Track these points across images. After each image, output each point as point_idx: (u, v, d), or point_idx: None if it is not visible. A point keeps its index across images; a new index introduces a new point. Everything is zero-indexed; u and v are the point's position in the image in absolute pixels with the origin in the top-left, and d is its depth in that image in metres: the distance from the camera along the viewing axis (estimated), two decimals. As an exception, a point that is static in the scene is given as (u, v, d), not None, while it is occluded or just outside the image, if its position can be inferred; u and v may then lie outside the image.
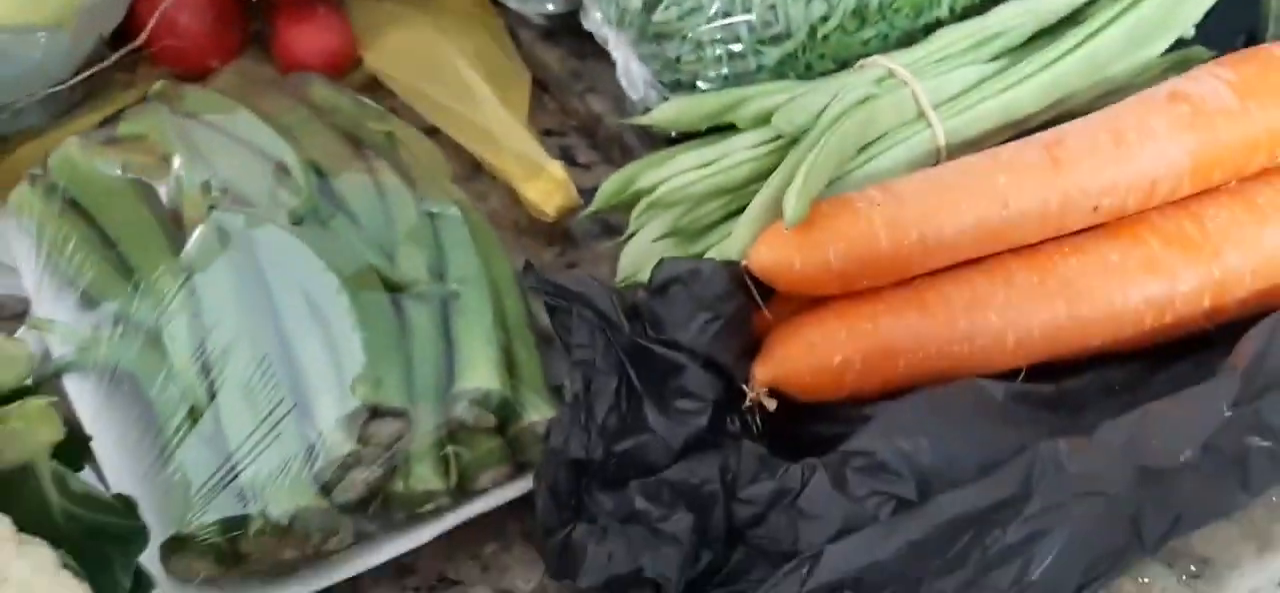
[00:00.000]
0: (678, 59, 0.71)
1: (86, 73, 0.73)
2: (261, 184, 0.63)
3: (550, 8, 0.83)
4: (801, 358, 0.58)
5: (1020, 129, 0.66)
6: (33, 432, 0.46)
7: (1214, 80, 0.62)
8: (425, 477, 0.56)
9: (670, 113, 0.69)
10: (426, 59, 0.80)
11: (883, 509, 0.53)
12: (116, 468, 0.57)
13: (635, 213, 0.66)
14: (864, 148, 0.64)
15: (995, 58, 0.68)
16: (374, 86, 0.81)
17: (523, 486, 0.59)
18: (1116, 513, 0.53)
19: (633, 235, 0.67)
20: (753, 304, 0.58)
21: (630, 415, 0.56)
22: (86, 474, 0.51)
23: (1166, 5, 0.69)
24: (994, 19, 0.69)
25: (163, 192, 0.64)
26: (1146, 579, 0.57)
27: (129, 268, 0.62)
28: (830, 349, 0.57)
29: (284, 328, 0.57)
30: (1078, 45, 0.68)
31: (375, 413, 0.55)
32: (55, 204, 0.65)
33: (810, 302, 0.59)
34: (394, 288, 0.59)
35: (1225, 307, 0.60)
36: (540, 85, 0.84)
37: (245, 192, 0.63)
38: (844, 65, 0.71)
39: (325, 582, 0.56)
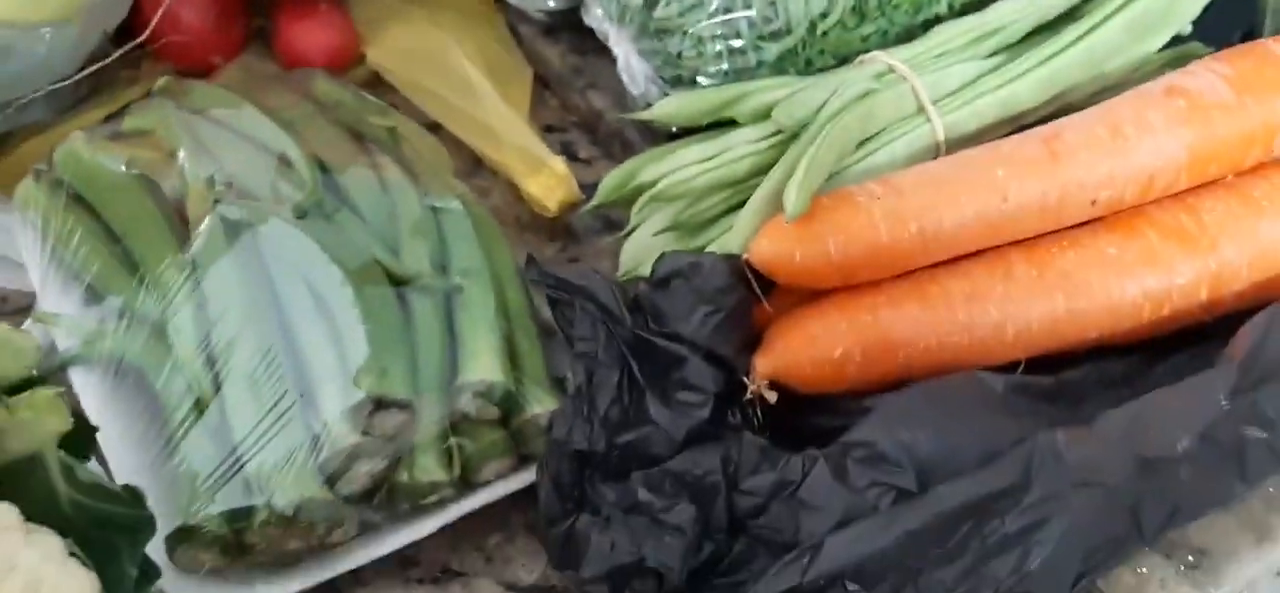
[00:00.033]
0: (678, 55, 0.71)
1: (91, 68, 0.73)
2: (266, 178, 0.63)
3: (551, 4, 0.83)
4: (802, 350, 0.58)
5: (1019, 124, 0.67)
6: (41, 422, 0.46)
7: (1211, 75, 0.62)
8: (429, 468, 0.56)
9: (671, 108, 0.70)
10: (428, 55, 0.81)
11: (883, 500, 0.53)
12: (122, 460, 0.57)
13: (636, 207, 0.67)
14: (864, 142, 0.65)
15: (994, 53, 0.69)
16: (376, 83, 0.82)
17: (526, 477, 0.59)
18: (1115, 503, 0.53)
19: (634, 230, 0.67)
20: (753, 297, 0.59)
21: (632, 407, 0.57)
22: (92, 466, 0.52)
23: (1164, 1, 0.69)
24: (992, 15, 0.69)
25: (167, 186, 0.65)
26: (1145, 570, 0.57)
27: (134, 262, 0.62)
28: (831, 341, 0.58)
29: (289, 320, 0.58)
30: (1076, 41, 0.68)
31: (379, 405, 0.55)
32: (60, 199, 0.65)
33: (811, 295, 0.60)
34: (398, 281, 0.60)
35: (1222, 299, 0.61)
36: (541, 81, 0.84)
37: (250, 186, 0.63)
38: (844, 61, 0.71)
39: (329, 573, 0.56)
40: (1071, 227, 0.61)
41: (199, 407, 0.57)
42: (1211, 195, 0.62)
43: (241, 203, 0.61)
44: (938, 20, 0.72)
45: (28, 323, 0.63)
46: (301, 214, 0.61)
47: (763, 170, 0.63)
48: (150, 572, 0.48)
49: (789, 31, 0.70)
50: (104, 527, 0.47)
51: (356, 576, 0.58)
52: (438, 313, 0.59)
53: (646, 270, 0.59)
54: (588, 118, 0.81)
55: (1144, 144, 0.60)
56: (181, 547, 0.54)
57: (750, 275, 0.58)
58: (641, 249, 0.66)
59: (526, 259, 0.62)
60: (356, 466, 0.55)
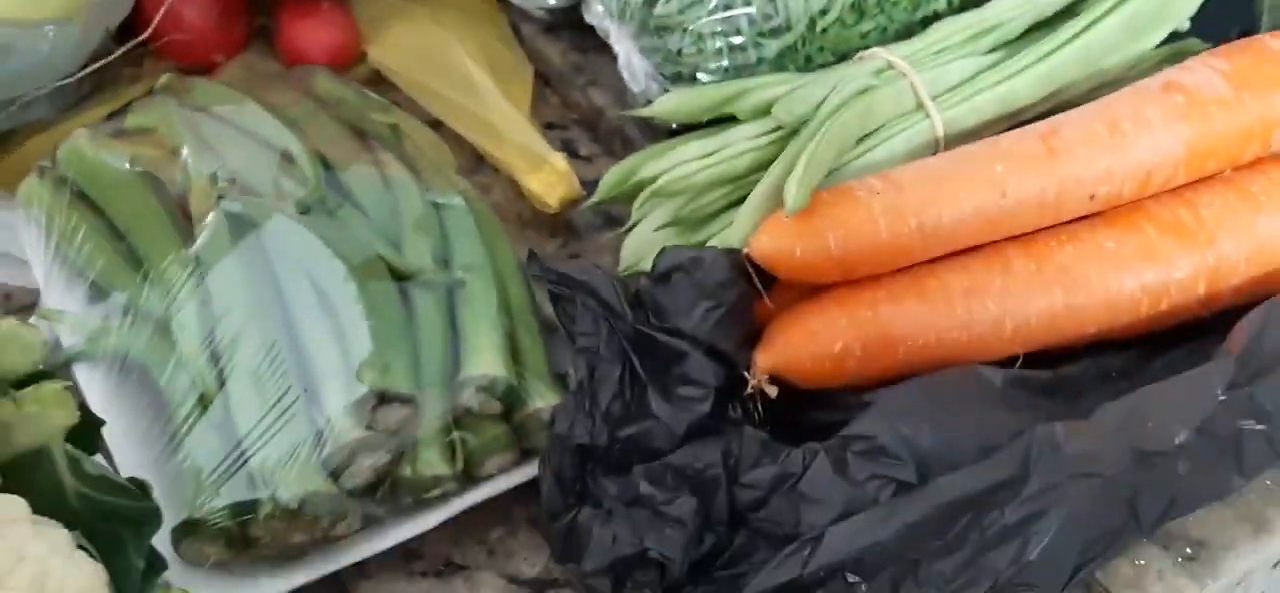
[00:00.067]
0: (679, 52, 0.72)
1: (93, 67, 0.74)
2: (269, 175, 0.64)
3: (552, 2, 0.83)
4: (802, 345, 0.58)
5: (1017, 120, 0.67)
6: (47, 415, 0.47)
7: (1208, 71, 0.63)
8: (432, 462, 0.56)
9: (671, 105, 0.70)
10: (430, 53, 0.81)
11: (883, 492, 0.53)
12: (126, 456, 0.58)
13: (637, 204, 0.67)
14: (863, 138, 0.65)
15: (992, 50, 0.69)
16: (377, 81, 0.82)
17: (528, 471, 0.59)
18: (1113, 494, 0.53)
19: (635, 226, 0.68)
20: (754, 292, 0.59)
21: (634, 402, 0.57)
22: (97, 460, 0.52)
23: (1161, -2, 0.70)
24: (991, 12, 0.70)
25: (170, 184, 0.65)
26: (1143, 562, 0.58)
27: (138, 259, 0.62)
28: (831, 336, 0.58)
29: (292, 316, 0.58)
30: (1074, 37, 0.68)
31: (383, 399, 0.56)
32: (64, 196, 0.65)
33: (811, 290, 0.60)
34: (400, 277, 0.60)
35: (1220, 294, 0.61)
36: (542, 79, 0.85)
37: (253, 182, 0.63)
38: (843, 58, 0.71)
39: (333, 566, 0.57)
40: (1070, 222, 0.61)
41: (203, 402, 0.57)
42: (1209, 191, 0.62)
43: (245, 199, 0.62)
44: (936, 17, 0.72)
45: (32, 320, 0.63)
46: (305, 210, 0.62)
47: (763, 166, 0.64)
48: (157, 564, 0.48)
49: (789, 28, 0.71)
50: (110, 519, 0.48)
51: (360, 569, 0.58)
52: (440, 308, 0.60)
53: (647, 266, 0.60)
54: (588, 115, 0.82)
55: (1142, 140, 0.61)
56: (187, 540, 0.55)
57: (751, 271, 0.58)
58: (642, 245, 0.67)
59: (528, 255, 0.62)
60: (360, 459, 0.55)
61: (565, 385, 0.59)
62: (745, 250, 0.58)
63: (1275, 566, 0.61)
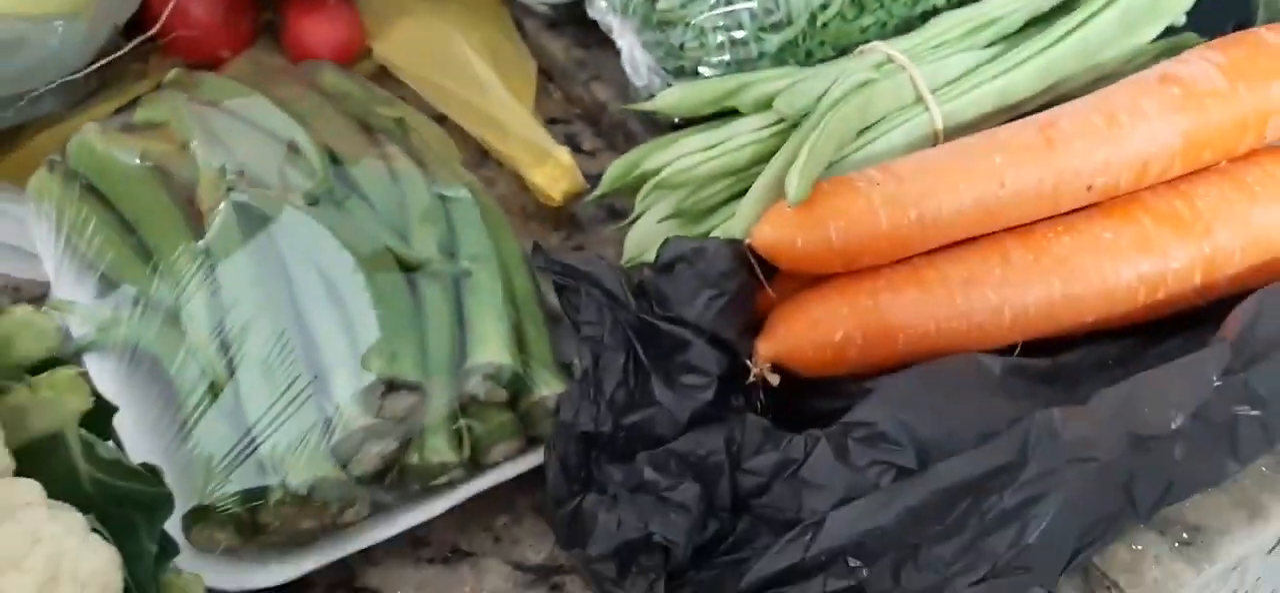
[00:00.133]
0: (681, 46, 0.73)
1: (102, 62, 0.74)
2: (277, 167, 0.64)
3: (555, -3, 0.84)
4: (804, 334, 0.59)
5: (1015, 113, 0.68)
6: (62, 401, 0.47)
7: (1204, 63, 0.63)
8: (439, 449, 0.57)
9: (674, 98, 0.71)
10: (434, 48, 0.82)
11: (883, 478, 0.54)
12: (137, 445, 0.58)
13: (640, 195, 0.68)
14: (863, 131, 0.66)
15: (991, 44, 0.70)
16: (382, 76, 0.83)
17: (533, 459, 0.60)
18: (1110, 479, 0.54)
19: (638, 218, 0.68)
20: (756, 282, 0.60)
21: (638, 390, 0.58)
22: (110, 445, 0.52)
23: (1157, -8, 0.70)
24: (989, 6, 0.70)
25: (180, 177, 0.65)
26: (1140, 547, 0.58)
27: (147, 251, 0.63)
28: (832, 325, 0.59)
29: (301, 306, 0.59)
30: (1071, 32, 0.69)
31: (391, 387, 0.56)
32: (74, 189, 0.66)
33: (812, 279, 0.61)
34: (408, 267, 0.61)
35: (1216, 283, 0.62)
36: (545, 74, 0.86)
37: (261, 175, 0.64)
38: (843, 52, 0.72)
39: (342, 552, 0.57)
40: (1068, 212, 0.62)
41: (213, 391, 0.58)
42: (1205, 181, 0.63)
43: (254, 191, 0.62)
44: (935, 12, 0.73)
45: (42, 312, 0.64)
46: (313, 202, 0.62)
47: (764, 158, 0.65)
48: (169, 548, 0.49)
49: (790, 23, 0.71)
50: (123, 504, 0.48)
51: (368, 555, 0.59)
52: (447, 298, 0.61)
53: (650, 257, 0.60)
54: (591, 110, 0.83)
55: (1139, 131, 0.61)
56: (197, 526, 0.55)
57: (753, 260, 0.59)
58: (645, 237, 0.68)
59: (533, 246, 0.63)
60: (368, 447, 0.56)
61: (570, 374, 0.60)
62: (747, 241, 0.59)
63: (1270, 551, 0.62)
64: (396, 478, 0.58)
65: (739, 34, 0.71)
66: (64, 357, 0.51)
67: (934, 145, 0.66)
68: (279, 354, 0.57)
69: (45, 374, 0.48)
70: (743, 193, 0.64)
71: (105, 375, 0.61)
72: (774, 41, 0.72)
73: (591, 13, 0.79)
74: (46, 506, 0.45)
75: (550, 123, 0.81)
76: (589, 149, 0.81)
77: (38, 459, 0.47)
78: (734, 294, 0.59)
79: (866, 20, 0.73)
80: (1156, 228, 0.61)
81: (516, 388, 0.60)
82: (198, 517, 0.55)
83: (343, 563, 0.58)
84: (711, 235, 0.64)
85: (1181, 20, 0.71)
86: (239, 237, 0.61)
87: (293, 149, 0.66)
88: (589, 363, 0.58)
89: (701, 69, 0.73)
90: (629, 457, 0.57)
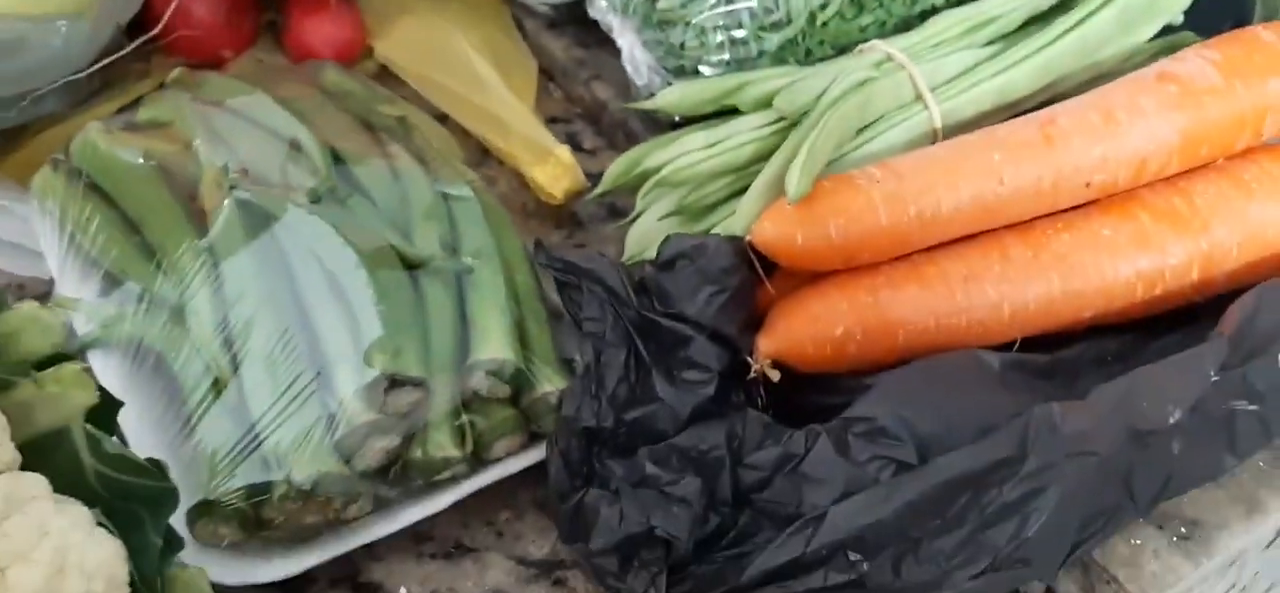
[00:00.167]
0: (681, 45, 0.73)
1: (104, 61, 0.75)
2: (280, 165, 0.65)
3: (556, -3, 0.85)
4: (804, 330, 0.59)
5: (1014, 111, 0.68)
6: (68, 396, 0.47)
7: (1201, 61, 0.64)
8: (442, 444, 0.57)
9: (674, 97, 0.71)
10: (436, 48, 0.82)
11: (884, 472, 0.54)
12: (141, 441, 0.58)
13: (642, 193, 0.68)
14: (863, 129, 0.66)
15: (989, 43, 0.70)
16: (384, 75, 0.83)
17: (535, 455, 0.61)
18: (1109, 473, 0.54)
19: (639, 215, 0.69)
20: (756, 278, 0.60)
21: (639, 386, 0.58)
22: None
23: (1154, -9, 0.71)
24: (988, 4, 0.71)
25: (183, 175, 0.66)
26: (1139, 541, 0.59)
27: (151, 248, 0.63)
28: (832, 321, 0.59)
29: (304, 302, 0.59)
30: (1069, 30, 0.69)
31: (394, 383, 0.57)
32: (78, 187, 0.66)
33: (812, 276, 0.61)
34: (410, 264, 0.61)
35: (1213, 279, 0.62)
36: (546, 74, 0.86)
37: (264, 173, 0.64)
38: (843, 50, 0.73)
39: (345, 547, 0.58)
40: (1066, 209, 0.62)
41: (217, 387, 0.58)
42: (1202, 178, 0.63)
43: (257, 189, 0.63)
44: (934, 11, 0.73)
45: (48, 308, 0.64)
46: (316, 199, 0.63)
47: (765, 156, 0.65)
48: (174, 542, 0.49)
49: (789, 22, 0.72)
50: (128, 499, 0.48)
51: (371, 551, 0.59)
52: (449, 295, 0.61)
53: (651, 254, 0.61)
54: (592, 109, 0.83)
55: (1136, 128, 0.62)
56: (202, 521, 0.56)
57: (753, 257, 0.60)
58: (646, 234, 0.68)
59: (535, 244, 0.63)
60: (371, 442, 0.56)
61: (572, 371, 0.61)
62: (748, 237, 0.60)
63: (1268, 546, 0.63)
64: (399, 473, 0.58)
65: (739, 33, 0.72)
66: (69, 352, 0.51)
67: (933, 143, 0.66)
68: (282, 350, 0.57)
69: (51, 370, 0.48)
70: (743, 190, 0.65)
71: (109, 372, 0.61)
72: (774, 40, 0.72)
73: (592, 12, 0.79)
74: (53, 500, 0.45)
75: (551, 122, 0.81)
76: (590, 148, 0.82)
77: (43, 454, 0.47)
78: (735, 291, 0.59)
79: (866, 19, 0.73)
80: (1154, 224, 0.62)
81: (519, 384, 0.60)
82: (202, 512, 0.56)
83: (346, 558, 0.58)
84: (712, 232, 0.64)
85: (1179, 19, 0.72)
86: (242, 234, 0.61)
87: (295, 147, 0.66)
88: (591, 359, 0.58)
89: (702, 68, 0.73)
90: (630, 452, 0.57)
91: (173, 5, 0.77)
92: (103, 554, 0.45)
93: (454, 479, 0.59)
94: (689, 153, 0.66)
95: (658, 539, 0.55)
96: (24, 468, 0.46)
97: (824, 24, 0.72)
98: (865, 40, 0.71)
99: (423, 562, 0.60)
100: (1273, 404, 0.57)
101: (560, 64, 0.85)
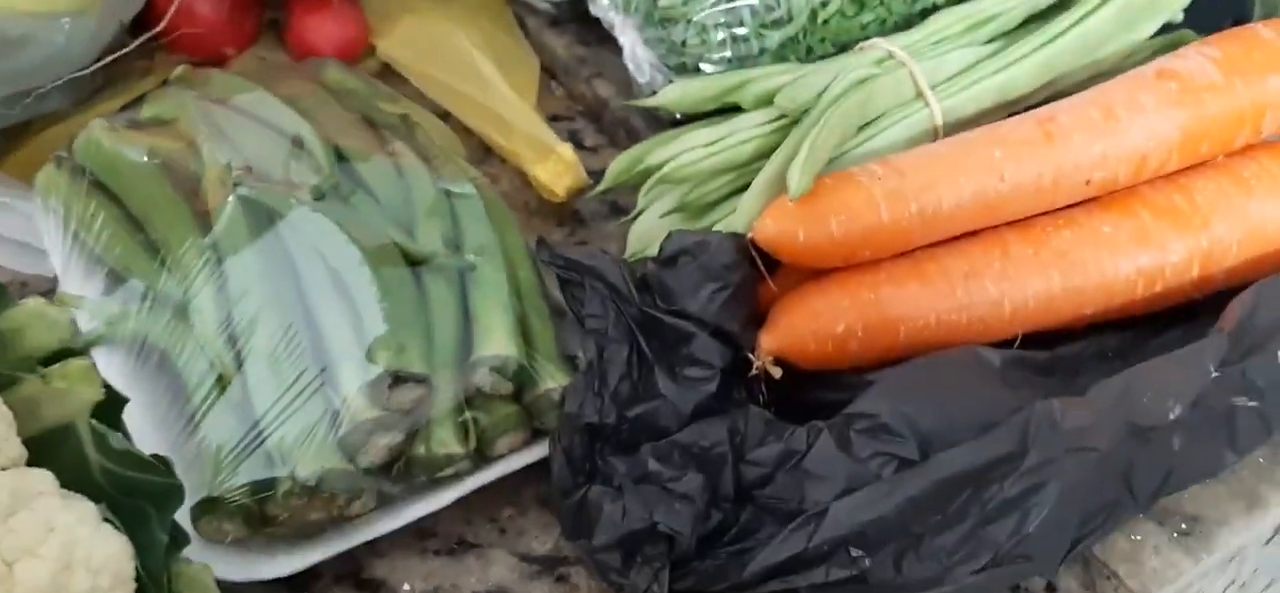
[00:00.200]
0: (683, 43, 0.73)
1: (108, 59, 0.75)
2: (283, 162, 0.65)
3: (557, -5, 0.85)
4: (805, 326, 0.60)
5: (1015, 109, 0.68)
6: (74, 392, 0.48)
7: (1201, 58, 0.64)
8: (446, 440, 0.58)
9: (675, 95, 0.71)
10: (437, 46, 0.82)
11: (885, 468, 0.55)
12: (145, 439, 0.58)
13: (644, 190, 0.68)
14: (864, 126, 0.66)
15: (990, 40, 0.71)
16: (386, 73, 0.84)
17: (538, 451, 0.61)
18: (1109, 469, 0.55)
19: (640, 213, 0.69)
20: (758, 275, 0.60)
21: (642, 382, 0.58)
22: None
23: (1154, -11, 0.71)
24: (988, 2, 0.71)
25: (186, 173, 0.66)
26: (1139, 537, 0.59)
27: (155, 246, 0.63)
28: (833, 318, 0.60)
29: (308, 299, 0.59)
30: (1069, 28, 0.70)
31: (397, 379, 0.57)
32: (81, 185, 0.66)
33: (813, 273, 0.61)
34: (414, 261, 0.61)
35: (1213, 276, 0.62)
36: (547, 72, 0.86)
37: (268, 170, 0.64)
38: (843, 48, 0.73)
39: (349, 544, 0.58)
40: (1066, 206, 0.63)
41: (221, 384, 0.58)
42: (1202, 175, 0.64)
43: (260, 186, 0.63)
44: (934, 8, 0.74)
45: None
46: (319, 196, 0.63)
47: (766, 153, 0.65)
48: (180, 538, 0.50)
49: (790, 20, 0.72)
50: (134, 494, 0.48)
51: (374, 547, 0.59)
52: (453, 291, 0.61)
53: (653, 252, 0.61)
54: (593, 106, 0.83)
55: (1136, 125, 0.62)
56: (206, 517, 0.56)
57: (755, 254, 0.60)
58: (648, 231, 0.68)
59: (538, 241, 0.64)
60: (375, 439, 0.57)
61: (574, 367, 0.61)
62: (750, 234, 0.60)
63: (1268, 541, 0.63)
64: (403, 470, 0.58)
65: (740, 31, 0.72)
66: (75, 348, 0.51)
67: (934, 141, 0.66)
68: (286, 347, 0.58)
69: (57, 365, 0.48)
70: (745, 188, 0.65)
71: (113, 370, 0.61)
72: (775, 38, 0.72)
73: (593, 10, 0.79)
74: (59, 495, 0.46)
75: (553, 120, 0.82)
76: (591, 145, 0.82)
77: (49, 450, 0.47)
78: (736, 287, 0.59)
79: (867, 17, 0.73)
80: (1155, 221, 0.62)
81: (521, 381, 0.60)
82: (206, 508, 0.56)
83: (350, 554, 0.58)
84: (714, 229, 0.65)
85: (1179, 17, 0.72)
86: (246, 231, 0.61)
87: (298, 145, 0.66)
88: (593, 356, 0.59)
89: (703, 66, 0.73)
90: (633, 449, 0.57)
91: (175, 3, 0.77)
92: (109, 550, 0.45)
93: (457, 476, 0.59)
94: (690, 150, 0.66)
95: (660, 535, 0.55)
96: (30, 464, 0.46)
97: (825, 22, 0.73)
98: (866, 38, 0.72)
99: (426, 558, 0.60)
100: (1272, 400, 0.57)
101: (562, 62, 0.85)
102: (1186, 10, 0.72)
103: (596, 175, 0.73)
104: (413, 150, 0.68)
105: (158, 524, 0.49)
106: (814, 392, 0.60)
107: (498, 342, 0.59)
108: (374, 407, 0.56)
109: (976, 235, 0.62)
